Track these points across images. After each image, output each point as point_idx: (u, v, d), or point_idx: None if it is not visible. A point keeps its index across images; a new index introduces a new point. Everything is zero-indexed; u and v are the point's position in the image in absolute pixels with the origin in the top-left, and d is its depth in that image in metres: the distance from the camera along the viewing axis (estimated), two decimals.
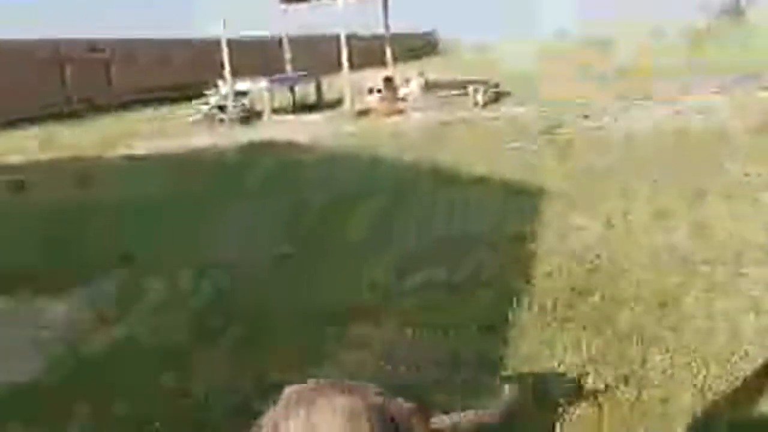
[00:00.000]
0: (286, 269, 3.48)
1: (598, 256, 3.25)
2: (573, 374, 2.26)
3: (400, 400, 1.52)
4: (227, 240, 4.18)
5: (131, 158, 8.19)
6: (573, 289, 2.90)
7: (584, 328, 2.55)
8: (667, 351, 2.34)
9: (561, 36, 16.12)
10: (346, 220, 4.34)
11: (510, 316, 2.69)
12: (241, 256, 3.78)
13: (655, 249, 3.31)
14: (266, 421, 1.56)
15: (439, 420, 1.50)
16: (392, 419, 1.46)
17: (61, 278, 3.57)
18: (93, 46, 14.63)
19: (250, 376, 2.37)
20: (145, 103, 14.66)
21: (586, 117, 6.77)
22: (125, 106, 14.30)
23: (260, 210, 4.87)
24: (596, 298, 2.80)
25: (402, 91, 12.88)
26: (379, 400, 1.49)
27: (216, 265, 3.57)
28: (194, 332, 2.80)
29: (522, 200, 4.63)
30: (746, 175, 4.51)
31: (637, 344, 2.41)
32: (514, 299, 2.83)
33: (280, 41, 15.19)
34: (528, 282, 3.03)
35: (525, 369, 2.30)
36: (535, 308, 2.74)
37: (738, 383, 2.22)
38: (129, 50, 15.67)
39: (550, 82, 9.79)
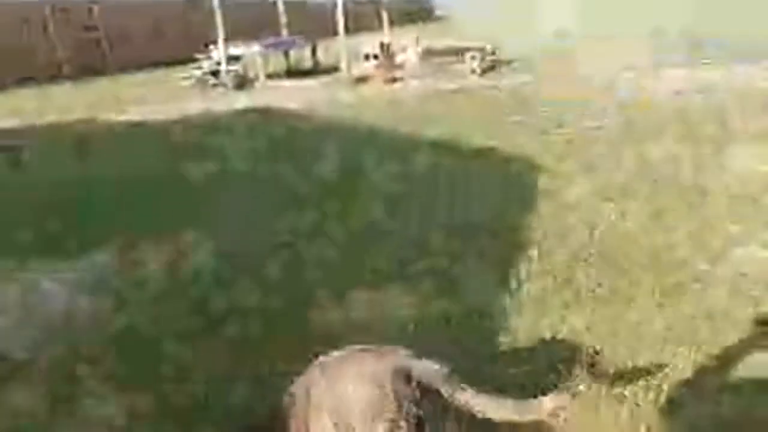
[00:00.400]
0: (286, 255, 3.42)
1: (598, 256, 3.24)
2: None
3: (429, 363, 1.53)
4: (224, 222, 4.12)
5: (127, 125, 8.07)
6: (571, 288, 2.90)
7: (586, 328, 2.56)
8: (665, 349, 2.36)
9: (561, 36, 15.79)
10: (347, 200, 4.27)
11: (508, 312, 2.71)
12: (237, 240, 3.73)
13: (655, 249, 3.29)
14: (298, 386, 1.61)
15: (463, 393, 1.47)
16: (418, 383, 1.48)
17: (58, 261, 3.52)
18: (86, 25, 14.18)
19: (255, 366, 2.36)
20: (139, 66, 14.34)
21: (586, 116, 6.70)
22: (119, 68, 13.99)
23: (257, 190, 4.78)
24: (595, 298, 2.80)
25: (399, 58, 12.68)
26: (406, 364, 1.51)
27: (216, 250, 3.53)
28: (195, 320, 2.77)
29: (521, 185, 4.59)
30: (747, 174, 4.48)
31: (636, 342, 2.43)
32: (512, 296, 2.84)
33: (274, 3, 14.83)
34: (526, 279, 3.02)
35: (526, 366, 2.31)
36: (533, 307, 2.74)
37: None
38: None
39: (550, 82, 9.68)
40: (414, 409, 1.46)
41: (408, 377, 1.48)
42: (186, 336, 2.61)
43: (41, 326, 2.87)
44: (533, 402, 1.43)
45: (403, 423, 1.44)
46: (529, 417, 1.45)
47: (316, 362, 1.64)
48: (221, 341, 2.58)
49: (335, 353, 1.63)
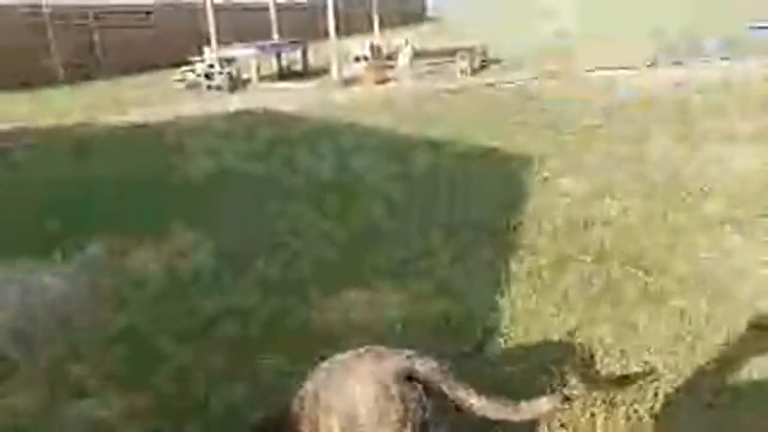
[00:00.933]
0: (286, 254, 3.47)
1: (596, 254, 3.28)
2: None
3: (432, 362, 1.57)
4: (223, 223, 4.18)
5: (123, 127, 8.12)
6: (570, 288, 2.93)
7: (577, 328, 2.62)
8: (661, 351, 2.40)
9: (560, 35, 15.92)
10: (345, 200, 4.30)
11: (509, 309, 2.76)
12: (235, 240, 3.79)
13: (653, 248, 3.34)
14: (306, 390, 1.64)
15: (465, 392, 1.52)
16: (422, 383, 1.53)
17: (56, 260, 3.56)
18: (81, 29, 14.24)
19: (258, 367, 2.39)
20: (135, 69, 14.39)
21: (587, 116, 6.82)
22: (115, 72, 14.05)
23: (255, 191, 4.81)
24: (594, 297, 2.85)
25: (390, 59, 12.83)
26: (411, 364, 1.54)
27: (215, 250, 3.59)
28: (194, 322, 2.80)
29: (518, 183, 4.64)
30: (748, 173, 4.54)
31: (633, 338, 2.50)
32: (512, 292, 2.91)
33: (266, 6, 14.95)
34: (525, 277, 3.08)
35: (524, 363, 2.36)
36: (529, 306, 2.79)
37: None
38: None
39: (546, 81, 9.82)
40: (420, 411, 1.49)
41: (412, 378, 1.52)
42: (183, 335, 2.64)
43: (40, 324, 2.91)
44: (529, 403, 1.50)
45: (409, 423, 1.47)
46: (525, 417, 1.52)
47: (324, 364, 1.67)
48: (216, 341, 2.61)
49: (342, 355, 1.66)
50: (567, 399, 1.61)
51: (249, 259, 3.42)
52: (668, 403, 2.11)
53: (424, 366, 1.54)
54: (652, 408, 2.09)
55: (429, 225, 3.84)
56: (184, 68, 11.94)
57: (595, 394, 2.15)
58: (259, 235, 3.86)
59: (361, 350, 1.64)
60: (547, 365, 2.31)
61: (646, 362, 2.33)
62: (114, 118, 8.61)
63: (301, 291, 3.03)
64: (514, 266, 3.20)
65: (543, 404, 1.50)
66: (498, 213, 3.99)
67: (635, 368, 2.30)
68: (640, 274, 3.06)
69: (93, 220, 4.27)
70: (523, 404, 1.50)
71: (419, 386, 1.51)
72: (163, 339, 2.61)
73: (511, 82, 9.98)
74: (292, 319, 2.78)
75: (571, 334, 2.56)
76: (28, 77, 12.21)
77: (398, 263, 3.30)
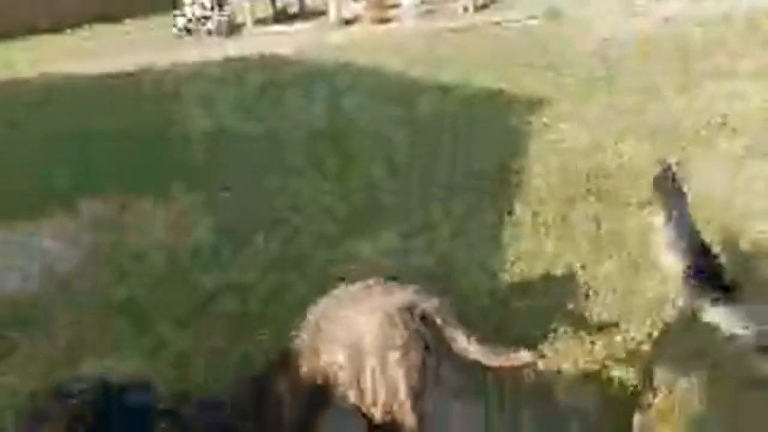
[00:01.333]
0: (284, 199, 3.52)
1: (596, 196, 3.26)
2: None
3: (433, 299, 1.66)
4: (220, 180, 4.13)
5: (112, 76, 7.89)
6: (570, 227, 2.93)
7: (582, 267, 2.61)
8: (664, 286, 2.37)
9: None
10: (343, 153, 4.25)
11: (512, 249, 2.77)
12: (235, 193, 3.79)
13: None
14: (308, 320, 1.68)
15: (460, 334, 1.62)
16: (423, 316, 1.61)
17: (53, 221, 3.58)
18: None
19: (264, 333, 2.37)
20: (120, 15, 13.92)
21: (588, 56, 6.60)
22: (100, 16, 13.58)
23: (250, 146, 4.72)
24: (597, 237, 2.85)
25: None
26: (413, 298, 1.63)
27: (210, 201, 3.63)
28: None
29: (521, 127, 4.57)
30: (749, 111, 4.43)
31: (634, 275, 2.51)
32: (515, 232, 2.91)
33: None
34: (527, 219, 3.07)
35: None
36: (532, 247, 2.78)
37: None
38: None
39: (547, 20, 9.46)
40: (422, 340, 1.57)
41: (413, 310, 1.60)
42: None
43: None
44: (512, 354, 1.67)
45: (412, 351, 1.55)
46: (508, 365, 1.68)
47: (326, 297, 1.71)
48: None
49: (344, 288, 1.70)
50: (543, 356, 1.89)
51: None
52: (665, 329, 2.17)
53: (425, 301, 1.63)
54: (650, 334, 2.16)
55: (434, 171, 3.81)
56: (175, 12, 11.51)
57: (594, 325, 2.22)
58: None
59: (365, 283, 1.68)
60: (551, 303, 2.36)
61: (646, 298, 2.36)
62: (106, 69, 8.32)
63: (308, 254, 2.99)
64: (518, 209, 3.17)
65: (523, 356, 1.68)
66: (500, 156, 3.94)
67: (635, 305, 2.33)
68: (642, 211, 3.00)
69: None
70: (508, 354, 1.67)
71: (418, 317, 1.60)
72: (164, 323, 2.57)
73: (516, 21, 9.55)
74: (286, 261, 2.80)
75: (574, 273, 2.57)
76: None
77: (401, 208, 3.30)
